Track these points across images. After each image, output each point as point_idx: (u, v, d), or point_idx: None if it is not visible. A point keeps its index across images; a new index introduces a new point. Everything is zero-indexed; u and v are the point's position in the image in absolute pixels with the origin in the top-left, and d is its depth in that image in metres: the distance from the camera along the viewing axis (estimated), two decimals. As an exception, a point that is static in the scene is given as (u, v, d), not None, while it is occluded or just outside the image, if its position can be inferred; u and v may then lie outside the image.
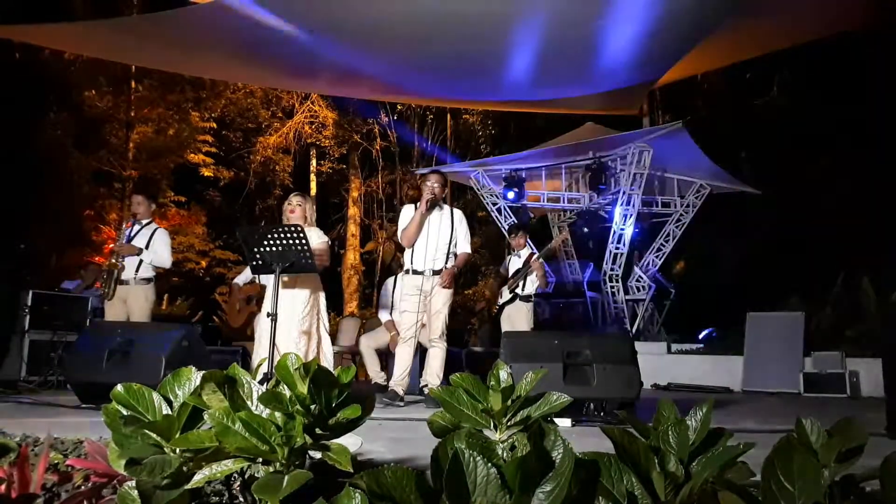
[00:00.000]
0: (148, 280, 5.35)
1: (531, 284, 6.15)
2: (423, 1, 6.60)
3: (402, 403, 4.60)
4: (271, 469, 1.29)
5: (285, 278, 4.29)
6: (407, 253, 4.86)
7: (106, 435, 1.53)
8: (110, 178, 14.14)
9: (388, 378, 5.36)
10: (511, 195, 10.46)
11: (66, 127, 13.36)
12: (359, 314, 14.00)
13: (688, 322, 10.43)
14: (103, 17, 9.18)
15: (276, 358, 3.26)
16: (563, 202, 11.25)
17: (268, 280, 4.42)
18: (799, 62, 12.16)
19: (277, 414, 1.31)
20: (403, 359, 4.74)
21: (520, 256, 6.33)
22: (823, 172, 11.21)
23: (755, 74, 13.64)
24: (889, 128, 10.35)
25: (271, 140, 16.23)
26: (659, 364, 7.89)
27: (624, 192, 10.17)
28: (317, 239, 4.46)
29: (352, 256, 16.98)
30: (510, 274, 6.30)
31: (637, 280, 10.60)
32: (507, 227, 9.99)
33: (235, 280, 5.62)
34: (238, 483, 1.46)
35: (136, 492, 1.22)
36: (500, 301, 6.26)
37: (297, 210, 4.52)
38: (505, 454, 1.20)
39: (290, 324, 4.28)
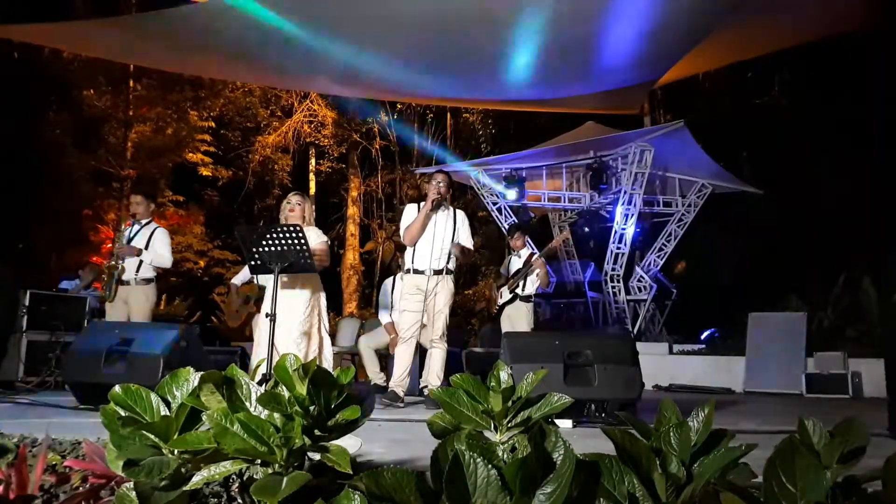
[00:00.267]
0: (148, 280, 5.34)
1: (531, 284, 6.14)
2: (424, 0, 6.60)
3: (401, 404, 4.59)
4: (270, 470, 1.28)
5: (285, 279, 4.28)
6: (408, 252, 4.85)
7: (104, 436, 1.52)
8: (109, 178, 14.14)
9: (388, 379, 5.35)
10: (511, 195, 10.45)
11: (65, 126, 13.36)
12: (358, 314, 14.00)
13: (689, 322, 10.43)
14: (103, 16, 9.17)
15: (276, 359, 3.25)
16: (564, 202, 11.25)
17: (267, 281, 4.42)
18: (799, 62, 12.15)
19: (276, 415, 1.31)
20: (403, 359, 4.73)
21: (520, 256, 6.32)
22: (823, 172, 11.21)
23: (755, 74, 13.65)
24: (889, 128, 10.35)
25: (270, 139, 16.23)
26: (660, 365, 7.89)
27: (625, 192, 10.17)
28: (316, 239, 4.45)
29: (351, 256, 16.98)
30: (510, 274, 6.29)
31: (638, 280, 10.61)
32: (506, 227, 9.99)
33: (233, 280, 5.61)
34: (237, 484, 1.45)
35: (134, 493, 1.21)
36: (500, 301, 6.25)
37: (296, 210, 4.50)
38: (505, 455, 1.19)
39: (291, 325, 4.27)
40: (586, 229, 11.06)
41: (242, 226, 4.52)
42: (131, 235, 5.41)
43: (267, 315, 3.99)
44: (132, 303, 5.29)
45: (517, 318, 6.09)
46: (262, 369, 3.69)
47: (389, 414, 4.01)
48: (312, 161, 17.35)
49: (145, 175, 13.99)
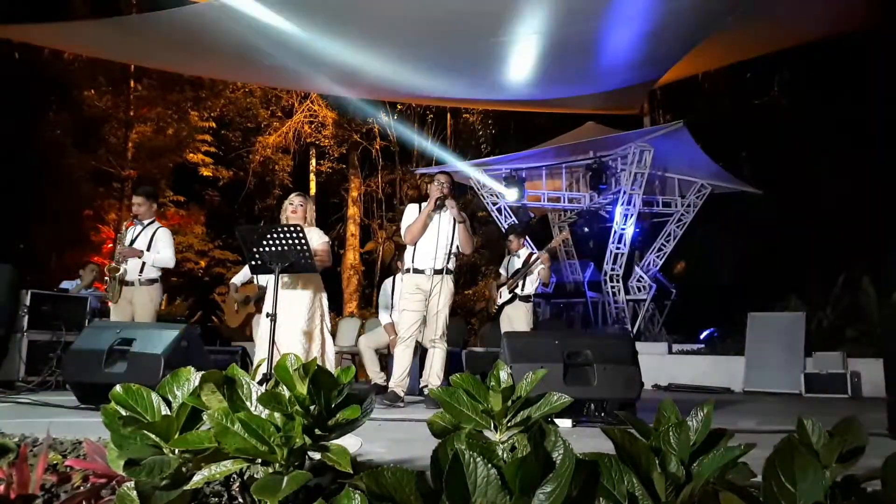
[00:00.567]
0: (152, 280, 5.34)
1: (530, 284, 6.14)
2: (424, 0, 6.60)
3: (402, 404, 4.59)
4: (270, 470, 1.29)
5: (286, 279, 4.29)
6: (408, 252, 4.85)
7: (105, 435, 1.53)
8: (109, 178, 14.15)
9: (388, 379, 5.35)
10: (511, 195, 10.45)
11: (65, 126, 13.37)
12: (358, 314, 14.00)
13: (689, 322, 10.43)
14: (103, 17, 9.18)
15: (276, 358, 3.25)
16: (564, 202, 11.25)
17: (267, 281, 4.42)
18: (799, 62, 12.15)
19: (276, 415, 1.31)
20: (403, 360, 4.72)
21: (519, 257, 6.32)
22: (823, 172, 11.21)
23: (755, 74, 13.65)
24: (889, 127, 10.35)
25: (271, 140, 16.23)
26: (660, 364, 7.89)
27: (625, 192, 10.17)
28: (317, 239, 4.45)
29: (351, 256, 16.98)
30: (510, 274, 6.29)
31: (638, 280, 10.61)
32: (506, 228, 9.99)
33: (233, 280, 5.61)
34: (237, 484, 1.46)
35: (134, 492, 1.21)
36: (500, 301, 6.25)
37: (298, 211, 4.51)
38: (505, 455, 1.19)
39: (293, 325, 4.27)
40: (586, 229, 11.06)
41: (243, 226, 4.52)
42: (134, 236, 5.41)
43: (268, 315, 3.99)
44: (136, 303, 5.28)
45: (516, 318, 6.09)
46: (263, 369, 3.69)
47: (389, 414, 4.01)
48: (313, 161, 17.35)
49: (146, 175, 14.00)
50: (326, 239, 4.62)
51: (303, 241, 4.02)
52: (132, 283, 5.29)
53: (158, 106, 14.30)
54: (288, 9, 6.70)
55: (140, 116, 14.35)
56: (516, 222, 10.35)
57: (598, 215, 11.19)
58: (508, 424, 1.41)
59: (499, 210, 10.96)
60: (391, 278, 6.38)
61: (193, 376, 1.42)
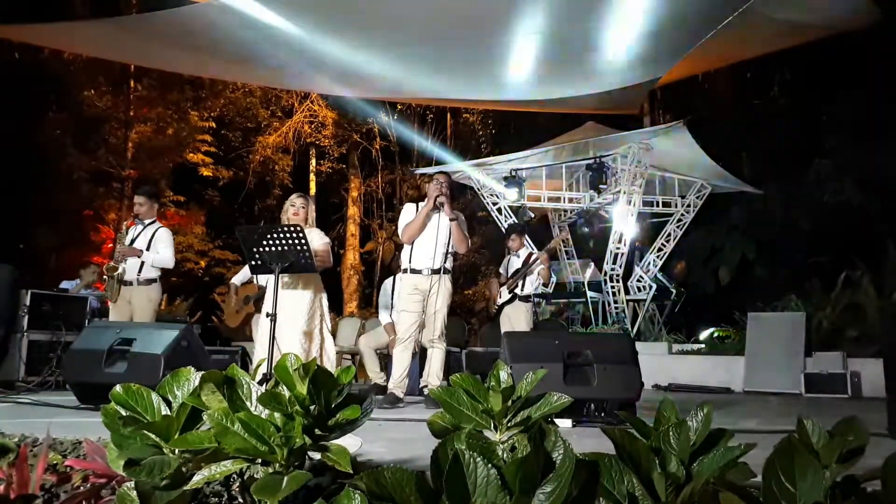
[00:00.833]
0: (151, 280, 5.33)
1: (530, 284, 6.14)
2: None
3: (402, 405, 4.60)
4: (270, 470, 1.29)
5: (286, 279, 4.29)
6: (405, 252, 4.84)
7: (105, 435, 1.53)
8: (109, 178, 14.15)
9: (388, 379, 5.35)
10: (511, 195, 10.45)
11: (65, 126, 13.37)
12: (358, 314, 14.01)
13: (689, 322, 10.43)
14: (103, 17, 9.17)
15: (276, 358, 3.25)
16: (564, 202, 11.25)
17: (267, 281, 4.42)
18: (799, 62, 12.16)
19: (276, 415, 1.31)
20: (401, 361, 4.71)
21: (518, 256, 6.32)
22: (823, 172, 11.21)
23: (755, 74, 13.65)
24: (889, 127, 10.35)
25: (270, 139, 16.23)
26: (660, 364, 7.89)
27: (624, 192, 10.16)
28: (318, 240, 4.46)
29: (351, 256, 16.98)
30: (509, 274, 6.29)
31: (638, 280, 10.61)
32: (506, 228, 9.99)
33: (233, 280, 5.62)
34: (237, 484, 1.46)
35: (134, 492, 1.22)
36: (500, 301, 6.25)
37: (300, 213, 4.51)
38: (505, 455, 1.19)
39: (293, 325, 4.28)
40: (586, 229, 11.06)
41: (243, 226, 4.52)
42: (134, 236, 5.41)
43: (268, 315, 3.99)
44: (135, 303, 5.28)
45: (516, 318, 6.09)
46: (263, 369, 3.69)
47: (389, 413, 4.01)
48: (313, 161, 17.36)
49: (146, 175, 14.00)
50: (327, 240, 4.63)
51: (303, 241, 4.02)
52: (131, 283, 5.28)
53: (158, 106, 14.31)
54: (288, 9, 6.70)
55: (140, 116, 14.35)
56: (514, 223, 10.34)
57: (598, 215, 11.18)
58: (508, 424, 1.41)
59: (499, 210, 10.96)
60: (391, 278, 6.38)
61: (193, 376, 1.43)
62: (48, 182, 12.62)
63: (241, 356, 6.72)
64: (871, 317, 7.24)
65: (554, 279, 6.35)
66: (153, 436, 1.30)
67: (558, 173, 11.07)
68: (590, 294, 11.08)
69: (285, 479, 1.20)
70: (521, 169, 10.60)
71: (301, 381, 1.33)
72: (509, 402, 1.42)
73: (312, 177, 17.39)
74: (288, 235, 4.02)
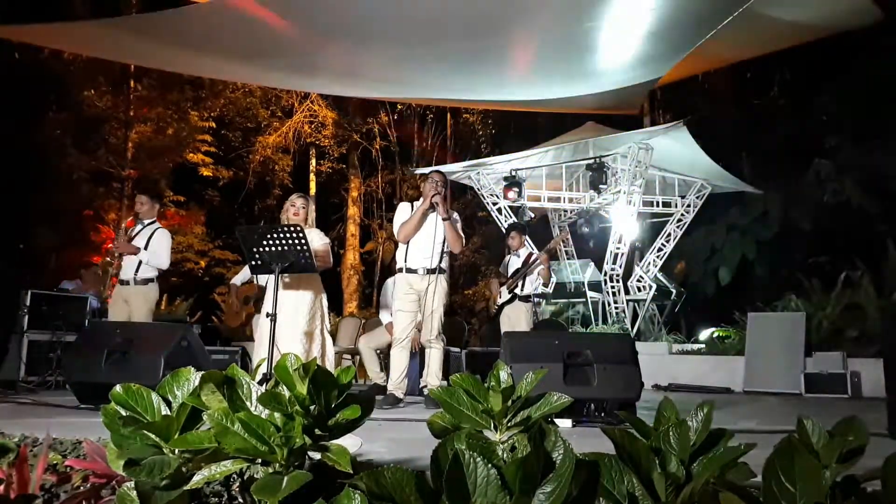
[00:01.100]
0: (148, 280, 5.33)
1: (530, 284, 6.14)
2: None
3: (402, 405, 4.60)
4: (270, 470, 1.29)
5: (287, 279, 4.29)
6: (400, 251, 4.81)
7: (105, 435, 1.53)
8: (109, 178, 14.15)
9: (388, 379, 5.35)
10: (511, 195, 10.45)
11: (65, 126, 13.37)
12: (358, 314, 14.00)
13: (689, 322, 10.43)
14: (103, 17, 9.17)
15: (276, 358, 3.25)
16: (564, 202, 11.25)
17: (268, 281, 4.42)
18: (799, 62, 12.16)
19: (276, 415, 1.31)
20: (399, 362, 4.70)
21: (518, 256, 6.31)
22: (823, 172, 11.21)
23: (755, 74, 13.65)
24: (889, 127, 10.35)
25: (270, 139, 16.23)
26: (660, 364, 7.89)
27: (624, 192, 10.17)
28: (318, 240, 4.46)
29: (351, 256, 16.98)
30: (509, 274, 6.29)
31: (638, 280, 10.60)
32: (506, 228, 9.98)
33: (233, 280, 5.62)
34: (237, 484, 1.46)
35: (134, 492, 1.22)
36: (499, 301, 6.25)
37: (300, 213, 4.51)
38: (505, 455, 1.19)
39: (293, 325, 4.28)
40: (586, 229, 11.05)
41: (243, 226, 4.52)
42: (132, 235, 5.42)
43: (268, 315, 3.99)
44: (133, 303, 5.28)
45: (516, 318, 6.09)
46: (263, 369, 3.69)
47: (389, 413, 4.01)
48: (313, 161, 17.36)
49: (146, 175, 14.00)
50: (327, 240, 4.63)
51: (303, 241, 4.02)
52: (127, 283, 5.29)
53: (158, 106, 14.30)
54: (288, 9, 6.70)
55: (140, 116, 14.35)
56: (515, 222, 10.34)
57: (598, 215, 11.19)
58: (508, 424, 1.41)
59: (499, 210, 10.96)
60: (392, 278, 6.38)
61: (193, 376, 1.42)
62: (48, 182, 12.62)
63: (241, 356, 6.73)
64: (871, 317, 7.24)
65: (554, 279, 6.32)
66: (153, 436, 1.30)
67: (558, 173, 11.07)
68: (590, 294, 11.08)
69: (285, 479, 1.20)
70: (521, 169, 10.60)
71: (301, 381, 1.33)
72: (509, 402, 1.42)
73: (312, 177, 17.39)
74: (288, 235, 4.02)
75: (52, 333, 6.00)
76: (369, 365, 6.16)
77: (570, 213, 11.74)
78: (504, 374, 1.46)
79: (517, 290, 6.13)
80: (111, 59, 11.52)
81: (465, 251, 16.67)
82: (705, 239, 12.50)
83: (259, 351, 4.44)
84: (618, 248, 10.49)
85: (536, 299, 6.87)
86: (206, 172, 15.77)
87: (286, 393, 1.34)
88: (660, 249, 10.85)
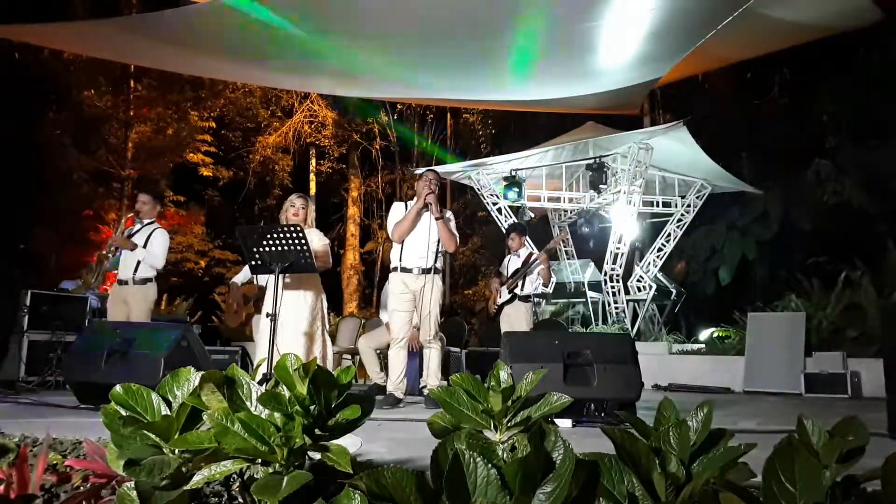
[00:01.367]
0: (146, 280, 5.34)
1: (530, 284, 6.14)
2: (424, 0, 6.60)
3: (402, 406, 4.60)
4: (270, 470, 1.29)
5: (287, 279, 4.30)
6: (395, 251, 4.79)
7: (105, 435, 1.53)
8: (109, 178, 14.16)
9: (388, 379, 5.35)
10: (511, 195, 10.45)
11: (65, 126, 13.37)
12: (358, 314, 14.01)
13: (689, 322, 10.43)
14: (103, 17, 9.18)
15: (276, 358, 3.25)
16: (564, 202, 11.25)
17: (268, 281, 4.42)
18: (799, 62, 12.16)
19: (276, 415, 1.31)
20: (397, 362, 4.69)
21: (518, 256, 6.31)
22: (823, 172, 11.21)
23: (755, 74, 13.65)
24: (889, 127, 10.35)
25: (270, 139, 16.24)
26: (660, 364, 7.89)
27: (624, 192, 10.17)
28: (318, 241, 4.46)
29: (351, 256, 16.99)
30: (509, 274, 6.29)
31: (638, 280, 10.61)
32: (506, 227, 9.99)
33: (233, 280, 5.62)
34: (237, 484, 1.46)
35: (134, 492, 1.21)
36: (499, 301, 6.25)
37: (300, 213, 4.51)
38: (505, 455, 1.19)
39: (294, 326, 4.28)
40: (586, 229, 11.06)
41: (243, 226, 4.52)
42: (132, 233, 5.42)
43: (268, 315, 3.99)
44: (131, 303, 5.29)
45: (516, 318, 6.09)
46: (263, 369, 3.70)
47: (389, 413, 4.01)
48: (313, 161, 17.37)
49: (146, 175, 14.00)
50: (326, 241, 4.63)
51: (303, 241, 4.03)
52: (126, 283, 5.29)
53: (158, 106, 14.31)
54: (288, 9, 6.70)
55: (140, 116, 14.36)
56: (515, 222, 10.35)
57: (598, 215, 11.19)
58: (508, 424, 1.41)
59: (499, 210, 10.96)
60: (392, 278, 6.37)
61: (193, 376, 1.42)
62: (48, 182, 12.62)
63: (241, 356, 6.73)
64: (871, 317, 7.24)
65: (554, 279, 6.32)
66: (153, 436, 1.30)
67: (558, 173, 11.08)
68: (590, 294, 11.08)
69: (285, 479, 1.20)
70: (521, 169, 10.61)
71: (301, 381, 1.33)
72: (509, 402, 1.42)
73: (312, 177, 17.39)
74: (288, 235, 4.02)
75: (52, 333, 5.99)
76: (369, 365, 6.15)
77: (570, 213, 11.74)
78: (504, 374, 1.46)
79: (517, 290, 6.13)
80: (111, 59, 11.52)
81: (465, 251, 16.69)
82: (705, 239, 12.51)
83: (259, 351, 4.44)
84: (618, 248, 10.49)
85: (536, 299, 6.87)
86: (206, 172, 15.78)
87: (286, 393, 1.34)
88: (660, 249, 10.85)
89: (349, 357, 7.63)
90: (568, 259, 12.01)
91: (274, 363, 3.05)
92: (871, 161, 10.38)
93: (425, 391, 4.78)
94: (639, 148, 9.92)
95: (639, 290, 10.53)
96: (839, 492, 1.11)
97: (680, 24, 6.99)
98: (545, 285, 6.17)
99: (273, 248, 4.04)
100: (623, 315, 10.39)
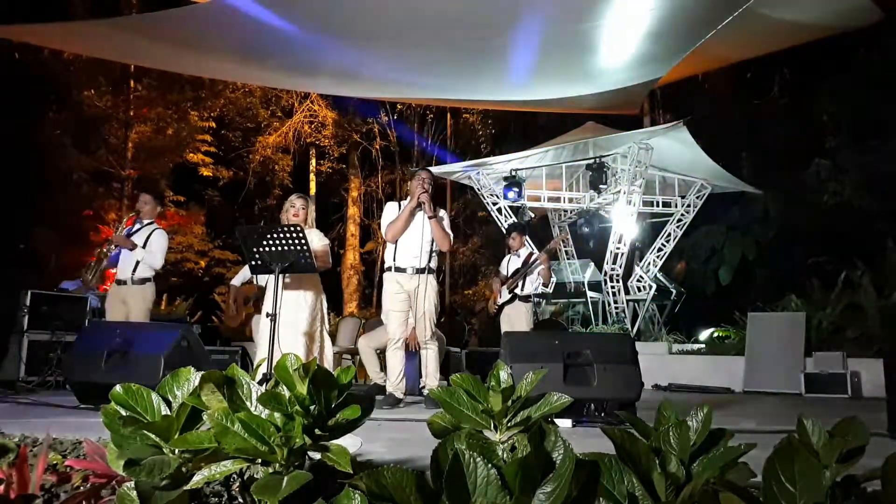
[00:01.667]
0: (145, 280, 5.34)
1: (530, 284, 6.14)
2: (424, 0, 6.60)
3: (402, 406, 4.60)
4: (270, 470, 1.29)
5: (287, 280, 4.30)
6: (389, 251, 4.78)
7: (105, 435, 1.53)
8: (109, 178, 14.15)
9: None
10: (511, 195, 10.46)
11: (65, 126, 13.37)
12: (358, 314, 14.00)
13: (689, 322, 10.43)
14: (103, 17, 9.17)
15: (277, 358, 3.25)
16: (564, 202, 11.25)
17: (267, 281, 4.43)
18: (799, 62, 12.16)
19: (277, 415, 1.31)
20: (396, 363, 4.69)
21: (519, 256, 6.32)
22: (823, 172, 11.21)
23: (755, 74, 13.65)
24: (889, 127, 10.35)
25: (271, 140, 16.24)
26: (660, 364, 7.89)
27: (624, 192, 10.17)
28: (318, 241, 4.47)
29: (351, 256, 16.99)
30: (510, 274, 6.29)
31: (638, 280, 10.61)
32: (506, 227, 9.99)
33: (233, 281, 5.62)
34: (237, 484, 1.46)
35: (134, 492, 1.21)
36: (499, 301, 6.25)
37: (300, 214, 4.52)
38: (505, 455, 1.19)
39: (294, 326, 4.28)
40: (586, 229, 11.06)
41: (243, 226, 4.52)
42: (131, 232, 5.43)
43: (268, 315, 4.00)
44: (130, 303, 5.29)
45: (516, 318, 6.09)
46: (263, 369, 3.70)
47: (389, 413, 4.02)
48: (313, 161, 17.36)
49: (146, 175, 14.00)
50: (326, 241, 4.63)
51: (303, 241, 4.03)
52: (125, 283, 5.29)
53: (158, 106, 14.30)
54: (288, 9, 6.70)
55: (140, 116, 14.35)
56: (515, 222, 10.35)
57: (598, 215, 11.19)
58: (508, 424, 1.41)
59: (499, 210, 10.96)
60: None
61: (193, 376, 1.42)
62: (48, 182, 12.61)
63: (241, 356, 6.73)
64: (871, 317, 7.24)
65: (554, 279, 6.32)
66: (153, 436, 1.30)
67: (558, 173, 11.08)
68: (590, 294, 11.08)
69: (285, 479, 1.20)
70: (521, 169, 10.61)
71: (301, 381, 1.33)
72: (509, 402, 1.42)
73: (312, 177, 17.39)
74: (288, 235, 4.02)
75: (52, 333, 6.00)
76: (369, 365, 6.15)
77: (570, 213, 11.74)
78: (504, 374, 1.46)
79: (517, 290, 6.13)
80: (111, 59, 11.52)
81: (465, 251, 16.69)
82: (705, 239, 12.51)
83: (259, 351, 4.44)
84: (618, 248, 10.49)
85: (536, 299, 6.87)
86: (206, 172, 15.77)
87: (286, 393, 1.34)
88: (660, 249, 10.85)
89: (349, 357, 7.63)
90: (568, 259, 12.01)
91: (274, 363, 3.05)
92: (871, 161, 10.38)
93: (425, 391, 4.78)
94: (639, 148, 9.92)
95: (639, 290, 10.53)
96: (839, 492, 1.11)
97: (680, 24, 6.99)
98: (545, 285, 6.17)
99: (273, 248, 4.04)
100: (623, 315, 10.39)
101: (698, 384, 7.38)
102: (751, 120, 13.27)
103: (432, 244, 4.68)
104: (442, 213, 4.79)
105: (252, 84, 14.64)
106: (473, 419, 1.41)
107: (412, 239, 4.66)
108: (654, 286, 10.39)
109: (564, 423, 3.31)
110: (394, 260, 4.71)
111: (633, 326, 10.18)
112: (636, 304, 10.55)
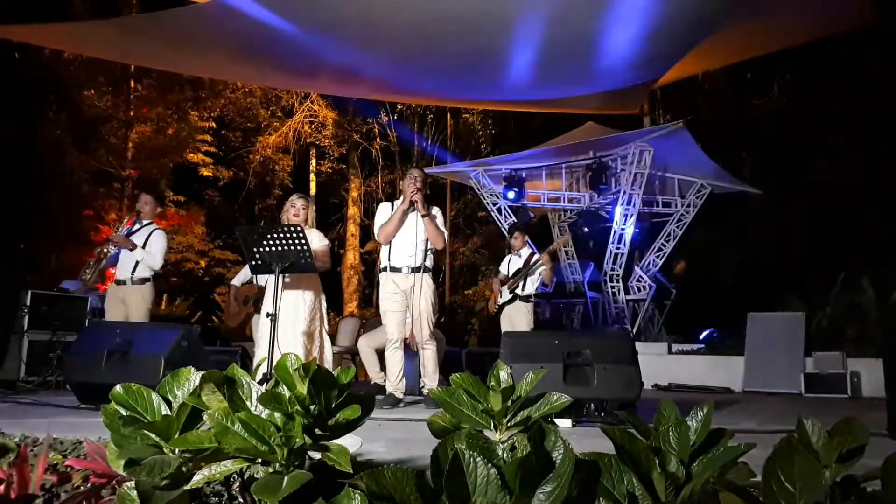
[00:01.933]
0: (144, 280, 5.34)
1: (531, 284, 6.14)
2: (424, 0, 6.60)
3: (402, 406, 4.60)
4: (270, 470, 1.29)
5: (287, 279, 4.30)
6: (384, 251, 4.77)
7: (105, 435, 1.53)
8: (109, 178, 14.15)
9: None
10: (511, 195, 10.46)
11: (65, 126, 13.36)
12: (358, 314, 14.01)
13: (689, 322, 10.42)
14: (103, 17, 9.18)
15: (277, 358, 3.25)
16: (564, 202, 11.26)
17: (267, 281, 4.43)
18: (799, 62, 12.16)
19: (277, 414, 1.31)
20: (395, 363, 4.68)
21: (520, 256, 6.32)
22: (823, 172, 11.21)
23: (755, 74, 13.64)
24: (888, 127, 10.34)
25: (271, 140, 16.24)
26: (659, 364, 7.89)
27: (624, 192, 10.17)
28: (318, 241, 4.47)
29: (351, 256, 16.99)
30: (511, 274, 6.29)
31: (638, 280, 10.61)
32: (506, 227, 10.00)
33: (233, 281, 5.63)
34: (237, 484, 1.46)
35: (135, 492, 1.21)
36: (500, 301, 6.25)
37: (300, 214, 4.52)
38: (505, 455, 1.19)
39: (294, 325, 4.28)
40: (586, 229, 11.06)
41: (243, 226, 4.52)
42: (131, 232, 5.43)
43: (268, 315, 4.00)
44: (130, 303, 5.29)
45: (517, 318, 6.09)
46: (263, 369, 3.70)
47: (389, 413, 4.02)
48: (313, 161, 17.36)
49: (146, 175, 13.99)
50: (326, 241, 4.64)
51: (303, 241, 4.03)
52: (124, 283, 5.30)
53: (158, 106, 14.31)
54: (288, 9, 6.70)
55: (140, 116, 14.35)
56: (517, 222, 10.36)
57: (598, 215, 11.19)
58: (508, 424, 1.41)
59: (499, 210, 10.97)
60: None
61: (193, 376, 1.42)
62: (48, 182, 12.61)
63: (241, 356, 6.73)
64: (871, 317, 7.24)
65: (554, 279, 6.35)
66: (153, 436, 1.30)
67: (558, 173, 11.08)
68: (590, 294, 11.08)
69: (285, 478, 1.20)
70: (521, 169, 10.61)
71: (301, 380, 1.33)
72: (509, 402, 1.42)
73: (312, 177, 17.39)
74: (288, 235, 4.02)
75: (52, 333, 6.00)
76: (369, 365, 6.15)
77: (570, 213, 11.75)
78: (504, 374, 1.46)
79: (518, 290, 6.13)
80: (111, 59, 11.53)
81: (465, 251, 16.69)
82: (705, 239, 12.50)
83: (259, 351, 4.44)
84: (618, 249, 10.49)
85: (536, 299, 6.88)
86: (206, 172, 15.77)
87: (286, 393, 1.34)
88: (660, 249, 10.85)
89: (349, 357, 7.62)
90: (568, 259, 12.01)
91: (274, 363, 3.05)
92: (870, 160, 10.37)
93: (425, 391, 4.77)
94: (639, 148, 9.92)
95: (639, 290, 10.53)
96: (839, 492, 1.11)
97: (680, 24, 6.99)
98: (546, 286, 6.18)
99: (273, 248, 4.04)
100: (623, 315, 10.39)
101: (698, 384, 7.38)
102: (751, 120, 13.27)
103: (427, 243, 4.67)
104: (435, 210, 4.78)
105: (252, 84, 14.65)
106: (473, 419, 1.41)
107: (406, 238, 4.65)
108: (654, 286, 10.39)
109: (564, 423, 3.32)
110: (389, 260, 4.70)
111: (633, 326, 10.17)
112: (636, 304, 10.55)
